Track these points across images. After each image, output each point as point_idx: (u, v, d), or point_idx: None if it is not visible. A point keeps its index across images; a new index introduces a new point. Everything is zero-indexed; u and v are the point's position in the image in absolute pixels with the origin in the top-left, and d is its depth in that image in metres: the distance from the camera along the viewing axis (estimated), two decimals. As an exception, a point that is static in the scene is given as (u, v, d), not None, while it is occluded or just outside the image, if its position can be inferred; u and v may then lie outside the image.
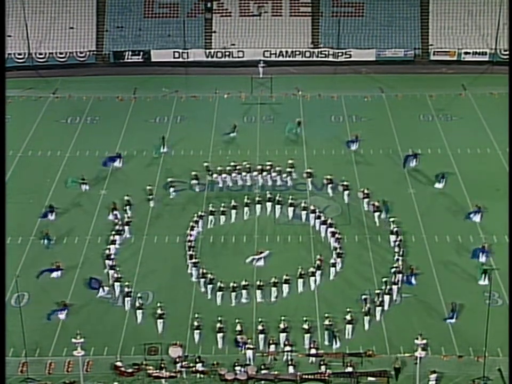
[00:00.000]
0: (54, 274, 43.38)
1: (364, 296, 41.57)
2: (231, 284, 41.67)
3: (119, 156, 55.69)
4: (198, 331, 39.26)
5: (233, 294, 41.58)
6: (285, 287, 42.31)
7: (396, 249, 45.36)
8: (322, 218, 47.75)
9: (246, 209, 49.08)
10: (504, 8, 73.13)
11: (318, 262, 43.77)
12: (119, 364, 37.57)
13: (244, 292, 41.73)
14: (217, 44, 76.00)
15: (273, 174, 52.63)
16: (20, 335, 36.89)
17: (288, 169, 53.03)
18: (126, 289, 41.84)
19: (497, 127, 60.67)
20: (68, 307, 40.82)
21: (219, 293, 41.62)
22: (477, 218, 48.62)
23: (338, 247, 45.02)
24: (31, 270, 44.09)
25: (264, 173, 52.77)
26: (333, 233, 46.35)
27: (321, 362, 37.07)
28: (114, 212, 48.77)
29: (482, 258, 44.26)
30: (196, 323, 39.48)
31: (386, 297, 41.49)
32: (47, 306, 41.37)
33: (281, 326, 39.02)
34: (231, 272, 43.42)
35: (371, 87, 68.64)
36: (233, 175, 52.64)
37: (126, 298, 41.56)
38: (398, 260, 44.24)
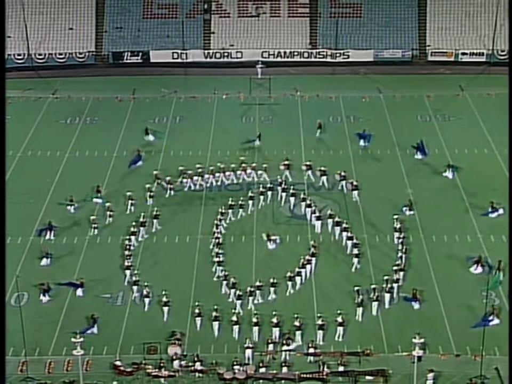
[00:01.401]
0: (79, 291, 42.09)
1: (356, 288, 41.76)
2: (248, 289, 41.65)
3: (140, 157, 55.66)
4: (199, 318, 39.87)
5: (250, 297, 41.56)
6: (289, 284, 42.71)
7: (399, 247, 45.48)
8: (334, 219, 47.96)
9: (250, 203, 49.56)
10: (501, 9, 73.20)
11: (312, 249, 44.28)
12: (118, 363, 37.57)
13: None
14: (216, 44, 76.03)
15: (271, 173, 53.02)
16: (19, 334, 36.87)
17: (285, 167, 53.44)
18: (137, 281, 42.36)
19: (494, 127, 60.76)
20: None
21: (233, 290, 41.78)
22: (493, 214, 48.84)
23: (356, 252, 45.06)
24: (31, 270, 44.20)
25: (259, 172, 53.07)
26: (350, 238, 46.23)
27: (320, 362, 37.19)
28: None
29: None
30: (196, 310, 39.91)
31: (387, 295, 41.57)
32: (46, 307, 41.51)
33: (297, 323, 39.11)
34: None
35: (369, 88, 68.68)
36: (227, 173, 52.85)
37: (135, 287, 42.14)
38: (401, 257, 44.37)
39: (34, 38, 74.53)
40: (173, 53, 75.00)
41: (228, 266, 43.86)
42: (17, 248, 46.47)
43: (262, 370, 37.13)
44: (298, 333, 38.96)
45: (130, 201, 50.01)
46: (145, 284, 42.13)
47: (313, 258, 44.37)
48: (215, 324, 39.51)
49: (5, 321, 35.07)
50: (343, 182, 52.27)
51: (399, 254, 44.69)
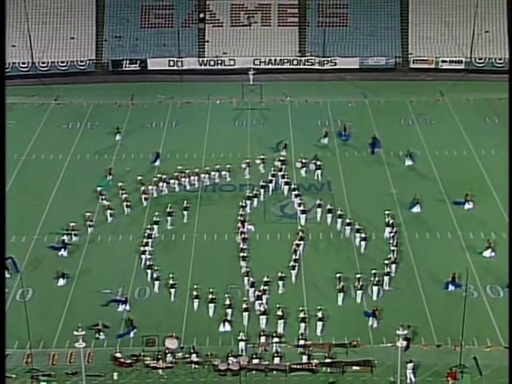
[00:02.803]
0: (121, 307, 40.84)
1: (338, 275, 41.94)
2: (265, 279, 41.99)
3: (158, 155, 55.94)
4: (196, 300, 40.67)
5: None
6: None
7: (391, 241, 45.64)
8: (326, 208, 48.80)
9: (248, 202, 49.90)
10: (478, 19, 73.37)
11: (300, 234, 45.40)
12: (118, 355, 37.60)
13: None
14: (210, 52, 75.94)
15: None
16: (24, 328, 36.82)
17: (277, 168, 53.75)
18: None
19: (472, 131, 61.00)
20: (135, 328, 39.48)
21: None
22: (468, 206, 49.41)
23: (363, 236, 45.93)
24: (35, 267, 44.15)
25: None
26: (348, 224, 47.02)
27: (308, 353, 37.24)
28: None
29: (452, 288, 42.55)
30: (194, 293, 40.59)
31: (375, 288, 41.70)
32: (50, 302, 41.46)
33: (319, 315, 39.26)
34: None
35: (355, 93, 68.68)
36: (223, 172, 53.24)
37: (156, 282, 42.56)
38: (393, 251, 44.52)
39: (37, 47, 74.24)
40: (169, 60, 74.87)
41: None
42: (21, 246, 46.34)
43: (255, 361, 37.20)
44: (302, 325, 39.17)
45: (126, 203, 49.97)
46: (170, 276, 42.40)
47: (302, 242, 45.15)
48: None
49: (4, 321, 34.40)
50: (319, 172, 53.71)
51: (391, 248, 44.83)
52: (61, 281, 42.94)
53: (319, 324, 39.15)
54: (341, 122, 62.24)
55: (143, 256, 44.65)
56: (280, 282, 42.38)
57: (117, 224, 48.74)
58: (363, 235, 46.10)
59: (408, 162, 55.63)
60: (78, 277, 43.75)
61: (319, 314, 39.33)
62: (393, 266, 43.43)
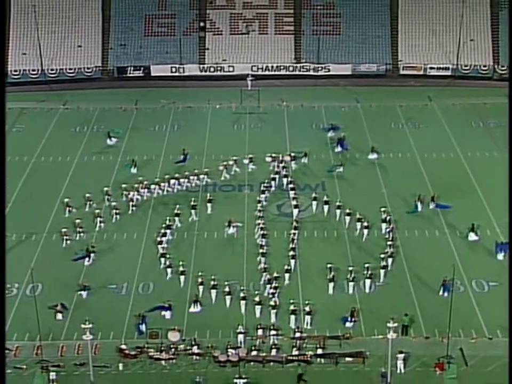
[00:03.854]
0: (165, 312, 39.91)
1: (328, 265, 42.08)
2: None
3: (186, 155, 56.15)
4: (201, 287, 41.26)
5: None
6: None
7: (387, 236, 45.75)
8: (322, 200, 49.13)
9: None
10: (464, 28, 73.39)
11: (295, 223, 46.11)
12: (123, 347, 37.60)
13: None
14: (210, 59, 75.91)
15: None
16: (34, 321, 36.75)
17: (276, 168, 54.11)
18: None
19: (459, 134, 61.07)
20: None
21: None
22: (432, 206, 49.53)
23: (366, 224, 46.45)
24: (45, 263, 44.12)
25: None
26: (348, 214, 47.43)
27: (304, 345, 37.28)
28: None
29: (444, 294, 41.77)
30: (199, 279, 41.13)
31: (368, 281, 41.74)
32: (59, 295, 41.45)
33: (307, 309, 39.29)
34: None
35: (348, 98, 68.66)
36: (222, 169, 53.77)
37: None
38: (390, 245, 44.59)
39: (47, 55, 74.14)
40: (171, 67, 74.83)
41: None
42: (32, 244, 46.37)
43: (253, 353, 37.22)
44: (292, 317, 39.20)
45: (131, 202, 50.00)
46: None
47: (296, 231, 45.62)
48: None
49: (4, 321, 34.39)
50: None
51: (388, 243, 44.88)
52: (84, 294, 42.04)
53: (307, 317, 39.10)
54: (335, 125, 62.31)
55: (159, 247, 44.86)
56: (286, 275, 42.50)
57: (123, 222, 48.70)
58: (365, 224, 46.36)
59: (372, 156, 56.30)
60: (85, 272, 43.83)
61: (308, 308, 39.27)
62: (390, 260, 43.49)
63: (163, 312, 39.85)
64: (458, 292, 40.94)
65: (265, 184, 51.65)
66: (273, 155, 55.30)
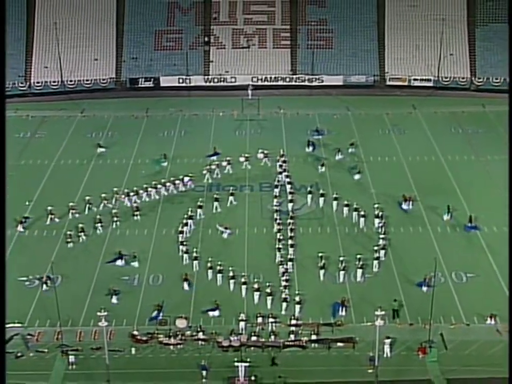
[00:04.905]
0: (212, 313, 39.25)
1: (320, 254, 42.13)
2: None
3: (217, 153, 56.54)
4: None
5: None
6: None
7: (379, 230, 45.86)
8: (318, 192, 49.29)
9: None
10: (444, 43, 73.40)
11: (291, 214, 46.42)
12: (135, 333, 37.75)
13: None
14: (214, 71, 75.91)
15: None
16: (54, 309, 36.91)
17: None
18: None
19: (440, 139, 61.07)
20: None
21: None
22: (406, 206, 49.29)
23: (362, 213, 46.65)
24: (64, 257, 44.27)
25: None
26: (346, 205, 47.66)
27: (300, 331, 37.40)
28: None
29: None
30: (209, 264, 41.78)
31: (359, 271, 41.84)
32: (76, 286, 41.63)
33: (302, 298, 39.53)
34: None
35: (339, 107, 68.52)
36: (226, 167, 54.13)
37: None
38: (383, 239, 44.65)
39: (66, 67, 73.97)
40: (178, 78, 74.81)
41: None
42: (52, 240, 46.40)
43: (253, 338, 37.32)
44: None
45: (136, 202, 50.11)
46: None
47: (292, 220, 46.04)
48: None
49: (4, 321, 34.00)
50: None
51: (380, 236, 44.99)
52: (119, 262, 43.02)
53: (297, 306, 39.20)
54: (327, 132, 62.31)
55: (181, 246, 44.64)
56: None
57: (136, 220, 48.77)
58: (362, 213, 46.63)
59: (339, 156, 56.66)
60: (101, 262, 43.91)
61: (297, 299, 39.30)
62: (382, 251, 43.63)
63: (211, 313, 39.13)
64: (440, 283, 41.05)
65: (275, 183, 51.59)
66: (265, 151, 55.79)
